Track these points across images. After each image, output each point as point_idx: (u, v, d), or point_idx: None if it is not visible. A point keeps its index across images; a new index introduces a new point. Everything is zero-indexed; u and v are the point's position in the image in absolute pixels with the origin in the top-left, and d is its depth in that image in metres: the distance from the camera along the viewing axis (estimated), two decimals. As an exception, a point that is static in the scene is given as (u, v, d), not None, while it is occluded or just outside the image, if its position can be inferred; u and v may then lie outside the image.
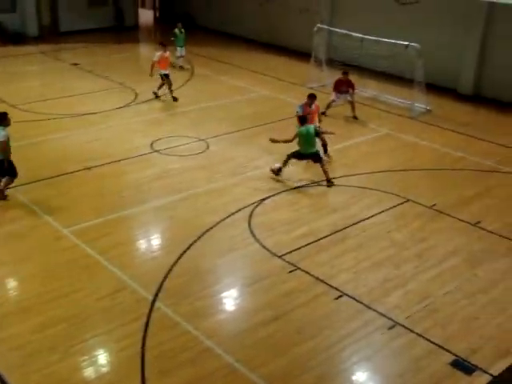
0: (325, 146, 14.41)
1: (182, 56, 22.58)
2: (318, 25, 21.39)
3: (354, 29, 20.39)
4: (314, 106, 14.71)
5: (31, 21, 27.10)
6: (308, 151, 13.23)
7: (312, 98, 14.67)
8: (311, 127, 13.23)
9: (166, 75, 18.54)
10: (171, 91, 18.65)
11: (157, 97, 18.79)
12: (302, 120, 13.25)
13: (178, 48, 22.46)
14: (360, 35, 19.47)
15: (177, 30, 22.54)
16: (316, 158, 13.39)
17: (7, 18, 26.38)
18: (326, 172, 13.28)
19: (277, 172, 13.59)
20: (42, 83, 20.54)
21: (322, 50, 21.33)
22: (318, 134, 13.62)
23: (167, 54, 18.64)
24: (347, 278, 10.04)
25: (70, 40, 26.69)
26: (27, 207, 11.92)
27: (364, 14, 22.75)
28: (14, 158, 14.15)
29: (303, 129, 13.11)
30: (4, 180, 12.12)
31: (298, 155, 13.38)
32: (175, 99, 18.61)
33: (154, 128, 16.47)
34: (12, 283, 9.81)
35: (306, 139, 13.14)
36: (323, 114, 16.92)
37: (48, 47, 25.88)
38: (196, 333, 8.59)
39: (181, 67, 22.39)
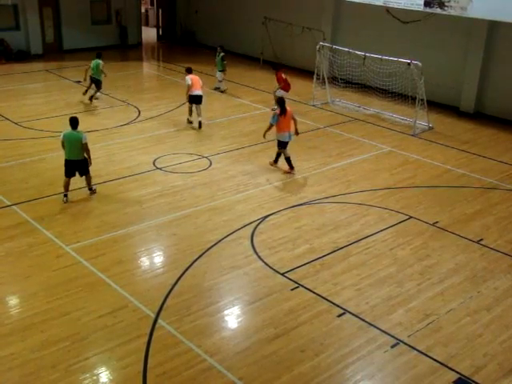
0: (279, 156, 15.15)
1: (219, 81, 22.43)
2: (321, 43, 21.52)
3: (357, 47, 20.53)
4: None
5: (35, 39, 27.36)
6: None
7: None
8: None
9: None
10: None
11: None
12: None
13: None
14: (362, 53, 19.58)
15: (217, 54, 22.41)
16: None
17: (12, 36, 26.64)
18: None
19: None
20: (46, 101, 20.63)
21: (324, 68, 21.44)
22: None
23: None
24: (350, 295, 10.01)
25: (73, 58, 26.89)
26: (29, 224, 11.93)
27: (366, 33, 22.92)
28: (17, 175, 14.29)
29: None
30: (85, 180, 13.27)
31: None
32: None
33: (157, 145, 16.53)
34: (13, 301, 9.77)
35: None
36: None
37: (52, 65, 26.12)
38: (198, 351, 8.55)
39: (217, 89, 22.46)
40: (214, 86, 22.50)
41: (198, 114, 18.22)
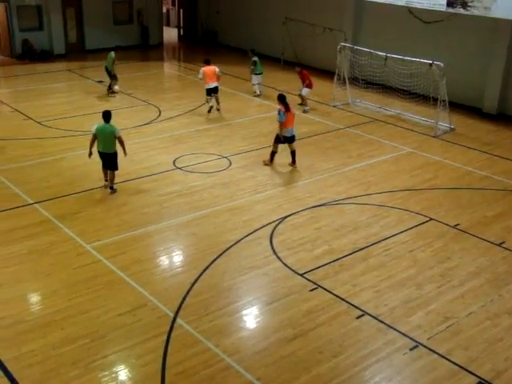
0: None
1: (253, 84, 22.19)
2: (342, 43, 21.45)
3: (378, 47, 20.43)
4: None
5: (58, 39, 27.65)
6: None
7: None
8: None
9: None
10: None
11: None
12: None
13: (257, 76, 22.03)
14: (384, 54, 19.47)
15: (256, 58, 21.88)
16: None
17: (35, 37, 26.97)
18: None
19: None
20: (68, 100, 20.80)
21: (345, 69, 21.37)
22: None
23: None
24: (369, 297, 9.96)
25: (95, 58, 27.06)
26: (49, 223, 12.03)
27: (388, 33, 22.78)
28: (38, 174, 14.40)
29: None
30: (109, 176, 13.47)
31: None
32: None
33: (177, 145, 16.59)
34: (34, 298, 9.87)
35: None
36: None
37: (74, 65, 26.33)
38: (217, 350, 8.57)
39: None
40: (259, 93, 22.12)
41: (217, 102, 19.21)
